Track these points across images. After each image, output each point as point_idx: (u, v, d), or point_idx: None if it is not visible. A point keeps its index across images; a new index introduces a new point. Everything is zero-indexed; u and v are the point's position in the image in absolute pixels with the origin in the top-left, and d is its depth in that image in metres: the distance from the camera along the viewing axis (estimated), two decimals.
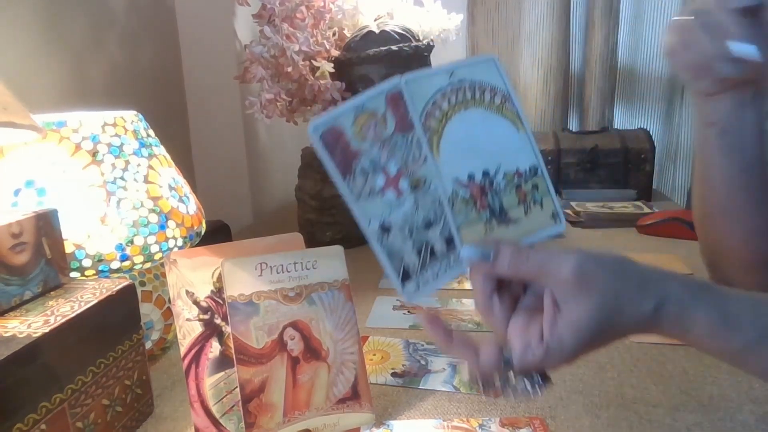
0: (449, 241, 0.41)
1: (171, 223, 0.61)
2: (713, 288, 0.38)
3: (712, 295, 0.37)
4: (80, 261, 0.56)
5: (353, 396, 0.50)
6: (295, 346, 0.49)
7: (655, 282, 0.37)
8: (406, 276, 0.40)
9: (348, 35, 1.07)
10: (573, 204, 1.29)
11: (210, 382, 0.49)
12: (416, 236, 0.40)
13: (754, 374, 0.40)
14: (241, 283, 0.48)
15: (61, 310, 0.46)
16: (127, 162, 0.60)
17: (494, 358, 0.39)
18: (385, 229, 0.40)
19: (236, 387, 0.47)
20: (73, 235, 0.56)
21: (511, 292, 0.41)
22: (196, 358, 0.49)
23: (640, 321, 0.37)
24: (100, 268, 0.57)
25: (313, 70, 1.01)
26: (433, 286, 0.41)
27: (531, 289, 0.41)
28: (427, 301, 0.79)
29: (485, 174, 0.41)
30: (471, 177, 0.41)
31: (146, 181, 0.60)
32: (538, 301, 0.40)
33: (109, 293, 0.49)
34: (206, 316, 0.50)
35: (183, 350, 0.49)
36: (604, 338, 0.38)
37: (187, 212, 0.64)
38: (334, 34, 1.07)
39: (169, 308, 0.64)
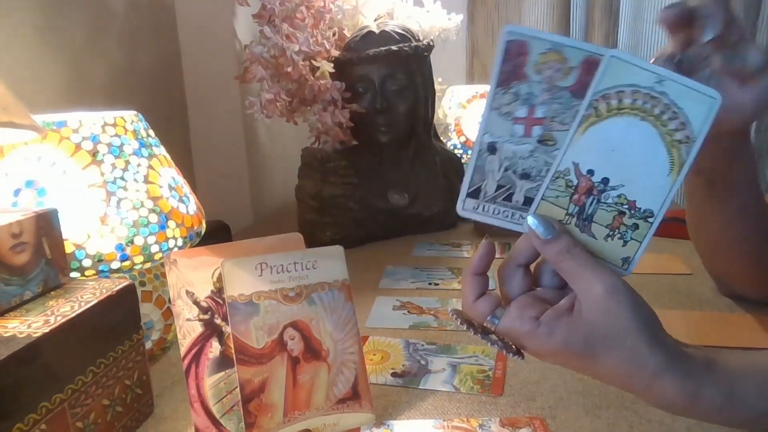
0: (528, 201, 0.41)
1: (171, 223, 0.61)
2: (719, 362, 0.37)
3: (717, 373, 0.37)
4: (80, 261, 0.56)
5: (353, 396, 0.50)
6: (295, 346, 0.49)
7: (666, 349, 0.37)
8: (474, 194, 0.41)
9: (348, 35, 1.07)
10: None
11: (210, 382, 0.49)
12: (509, 175, 0.41)
13: None
14: (241, 283, 0.48)
15: (61, 310, 0.46)
16: (127, 162, 0.60)
17: (487, 311, 0.40)
18: (492, 148, 0.40)
19: (236, 387, 0.47)
20: (73, 235, 0.56)
21: (533, 279, 0.43)
22: (196, 358, 0.49)
23: (638, 373, 0.37)
24: (100, 268, 0.57)
25: (313, 70, 1.01)
26: (485, 218, 0.42)
27: (553, 281, 0.42)
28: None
29: (604, 180, 0.39)
30: (590, 172, 0.39)
31: (146, 181, 0.60)
32: (553, 294, 0.41)
33: (109, 293, 0.49)
34: (206, 316, 0.50)
35: (183, 350, 0.49)
36: (587, 362, 0.38)
37: (187, 212, 0.64)
38: (334, 34, 1.07)
39: (169, 308, 0.64)
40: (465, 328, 0.41)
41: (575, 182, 0.40)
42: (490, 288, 0.43)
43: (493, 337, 0.41)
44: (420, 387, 0.58)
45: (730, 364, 0.38)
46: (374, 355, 0.64)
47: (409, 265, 0.95)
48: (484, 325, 0.41)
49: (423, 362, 0.62)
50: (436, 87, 1.16)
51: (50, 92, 0.84)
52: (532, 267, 0.43)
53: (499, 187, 0.41)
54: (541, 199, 0.40)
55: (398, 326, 0.72)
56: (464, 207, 0.42)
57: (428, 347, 0.66)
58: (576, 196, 0.40)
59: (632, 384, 0.38)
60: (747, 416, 0.36)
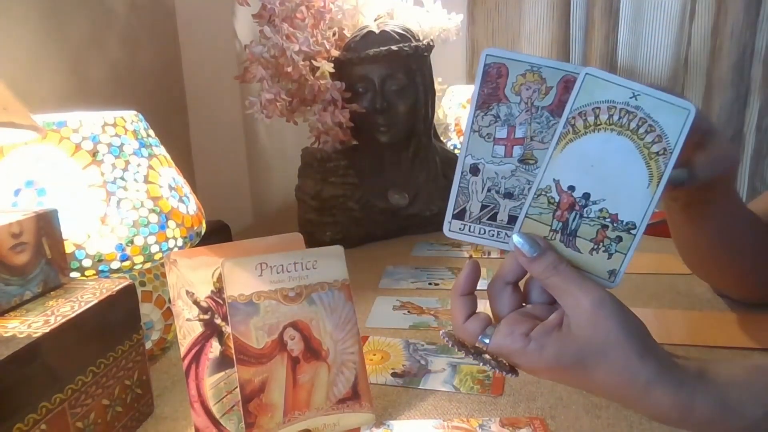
0: (512, 219, 0.42)
1: (171, 223, 0.61)
2: (710, 372, 0.38)
3: (709, 383, 0.37)
4: (80, 261, 0.56)
5: (353, 396, 0.50)
6: (295, 346, 0.49)
7: (657, 360, 0.37)
8: (459, 215, 0.42)
9: (348, 35, 1.07)
10: None
11: (210, 382, 0.49)
12: (492, 195, 0.42)
13: None
14: (241, 283, 0.48)
15: (61, 310, 0.46)
16: (127, 162, 0.60)
17: (477, 331, 0.40)
18: (474, 170, 0.41)
19: (236, 387, 0.47)
20: (73, 235, 0.56)
21: (522, 296, 0.42)
22: (196, 358, 0.49)
23: (630, 385, 0.37)
24: (100, 268, 0.57)
25: (313, 70, 1.01)
26: (472, 239, 0.43)
27: (541, 297, 0.42)
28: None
29: (585, 196, 0.40)
30: (571, 188, 0.40)
31: (146, 181, 0.60)
32: (542, 310, 0.41)
33: (109, 293, 0.49)
34: (206, 316, 0.50)
35: (183, 350, 0.49)
36: (580, 376, 0.38)
37: (187, 212, 0.64)
38: (334, 34, 1.07)
39: (169, 308, 0.64)
40: (457, 350, 0.41)
41: (557, 199, 0.40)
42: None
43: (486, 356, 0.41)
44: (420, 387, 0.58)
45: (722, 373, 0.38)
46: (374, 355, 0.64)
47: (409, 265, 0.95)
48: (476, 345, 0.41)
49: (423, 362, 0.62)
50: (436, 87, 1.16)
51: (50, 92, 0.84)
52: (521, 284, 0.43)
53: (483, 207, 0.42)
54: (525, 216, 0.41)
55: (398, 326, 0.72)
56: (450, 228, 0.43)
57: (428, 347, 0.66)
58: (559, 213, 0.40)
59: (625, 396, 0.38)
60: (741, 425, 0.36)
